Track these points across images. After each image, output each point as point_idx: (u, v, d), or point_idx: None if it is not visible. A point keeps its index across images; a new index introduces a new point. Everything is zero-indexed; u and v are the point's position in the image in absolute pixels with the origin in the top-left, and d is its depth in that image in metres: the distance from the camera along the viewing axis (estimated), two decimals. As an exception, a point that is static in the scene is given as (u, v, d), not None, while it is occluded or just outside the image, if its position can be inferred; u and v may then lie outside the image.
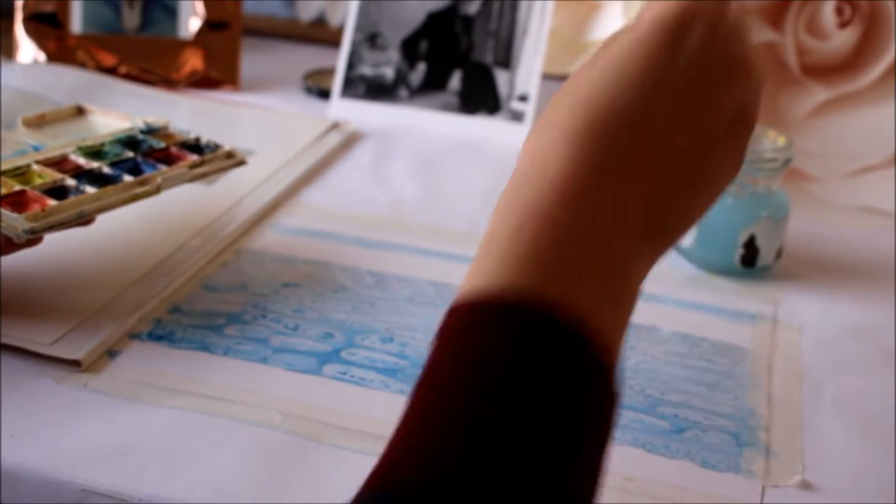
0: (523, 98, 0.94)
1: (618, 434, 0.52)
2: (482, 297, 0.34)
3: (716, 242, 0.69)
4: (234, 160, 0.68)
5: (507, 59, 0.95)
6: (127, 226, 0.69)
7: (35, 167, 0.61)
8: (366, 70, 0.98)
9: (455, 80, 0.96)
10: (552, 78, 1.02)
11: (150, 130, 0.68)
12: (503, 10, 0.96)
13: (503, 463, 0.31)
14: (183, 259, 0.66)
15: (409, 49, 0.97)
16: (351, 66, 0.98)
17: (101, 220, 0.62)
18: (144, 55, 1.02)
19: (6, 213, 0.56)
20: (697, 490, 0.49)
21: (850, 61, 0.86)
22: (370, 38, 0.98)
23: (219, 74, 1.02)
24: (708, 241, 0.69)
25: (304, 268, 0.67)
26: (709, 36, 0.38)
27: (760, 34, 0.85)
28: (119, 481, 0.47)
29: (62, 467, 0.48)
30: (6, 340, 0.56)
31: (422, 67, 0.97)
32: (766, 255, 0.69)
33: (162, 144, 0.67)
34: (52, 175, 0.61)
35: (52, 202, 0.58)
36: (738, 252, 0.68)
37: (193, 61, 1.02)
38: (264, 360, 0.57)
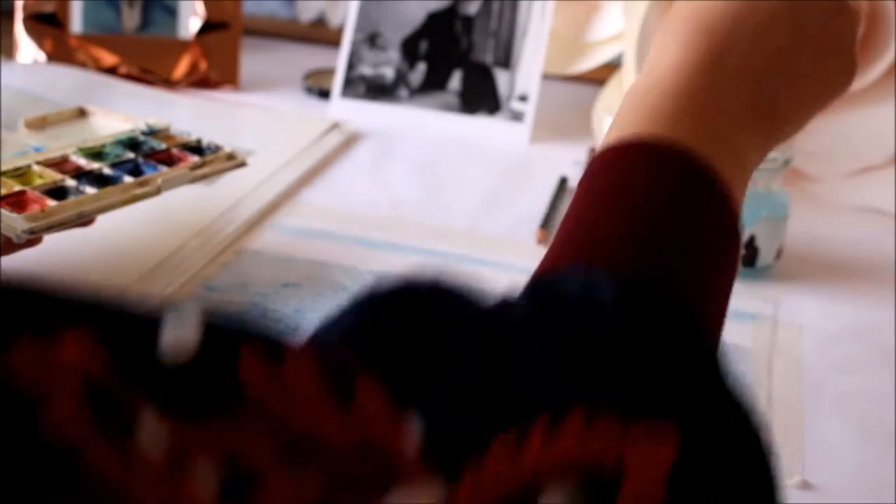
0: (523, 98, 0.94)
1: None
2: (628, 142, 0.39)
3: (716, 242, 0.68)
4: (234, 162, 0.68)
5: (507, 59, 0.95)
6: (127, 226, 0.69)
7: (35, 168, 0.61)
8: (366, 70, 0.98)
9: (455, 80, 0.96)
10: (552, 78, 1.02)
11: (152, 132, 0.68)
12: (503, 10, 0.96)
13: (655, 263, 0.36)
14: (183, 259, 0.66)
15: (409, 49, 0.97)
16: (351, 66, 0.98)
17: (102, 220, 0.62)
18: (144, 55, 1.02)
19: (6, 213, 0.56)
20: (697, 490, 0.49)
21: (850, 61, 0.86)
22: (370, 38, 0.98)
23: (219, 74, 1.02)
24: (708, 241, 0.69)
25: (304, 268, 0.67)
26: None
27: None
28: (119, 481, 0.47)
29: (62, 467, 0.48)
30: (6, 340, 0.56)
31: (422, 67, 0.97)
32: (766, 256, 0.68)
33: (163, 146, 0.67)
34: (53, 176, 0.61)
35: (51, 203, 0.58)
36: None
37: (193, 61, 1.02)
38: (264, 360, 0.57)
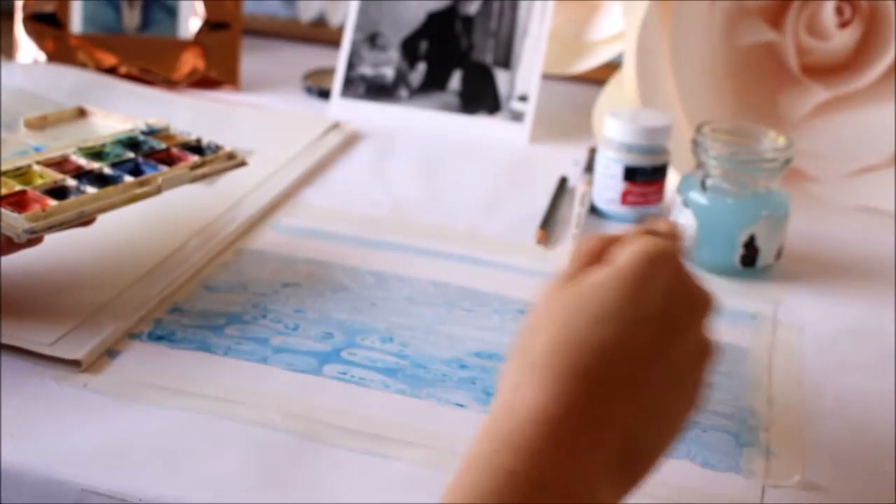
0: (523, 98, 0.94)
1: (618, 434, 0.52)
2: None
3: (716, 242, 0.68)
4: (234, 161, 0.68)
5: (507, 59, 0.95)
6: (127, 226, 0.69)
7: (35, 167, 0.62)
8: (366, 70, 0.98)
9: (455, 80, 0.96)
10: (552, 78, 1.02)
11: (152, 132, 0.68)
12: (503, 10, 0.96)
13: None
14: (183, 259, 0.66)
15: (410, 49, 0.97)
16: (351, 65, 0.98)
17: (102, 220, 0.62)
18: (144, 55, 1.02)
19: (6, 212, 0.56)
20: (698, 490, 0.49)
21: (850, 61, 0.86)
22: (370, 38, 0.98)
23: (219, 74, 1.02)
24: (708, 241, 0.69)
25: (304, 268, 0.67)
26: (676, 273, 0.42)
27: (761, 34, 0.85)
28: (119, 481, 0.47)
29: (62, 467, 0.48)
30: (6, 340, 0.56)
31: (422, 67, 0.97)
32: (766, 255, 0.68)
33: (163, 146, 0.67)
34: (53, 175, 0.61)
35: (52, 202, 0.58)
36: (738, 252, 0.68)
37: (193, 61, 1.02)
38: (264, 360, 0.57)
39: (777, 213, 0.68)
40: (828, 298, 0.68)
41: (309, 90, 1.03)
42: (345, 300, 0.64)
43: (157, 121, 0.70)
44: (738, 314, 0.65)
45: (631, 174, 0.76)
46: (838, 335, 0.63)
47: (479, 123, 0.94)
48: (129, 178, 0.62)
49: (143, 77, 1.01)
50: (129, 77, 1.00)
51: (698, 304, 0.43)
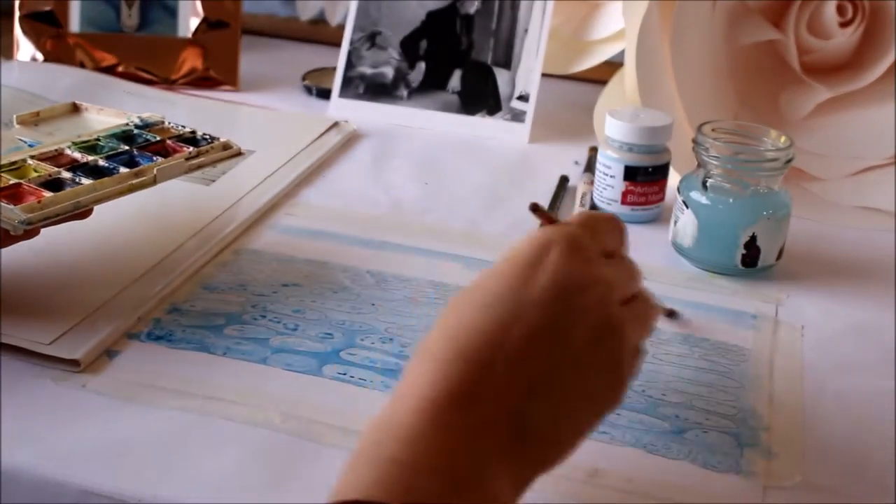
0: (523, 98, 0.94)
1: (619, 434, 0.52)
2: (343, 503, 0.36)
3: (717, 242, 0.68)
4: (230, 151, 0.68)
5: (507, 59, 0.95)
6: (126, 225, 0.69)
7: (30, 162, 0.61)
8: (365, 69, 0.98)
9: (455, 80, 0.96)
10: (552, 77, 1.02)
11: (146, 125, 0.68)
12: (503, 10, 0.95)
13: None
14: (182, 259, 0.66)
15: (409, 48, 0.97)
16: (350, 65, 0.98)
17: (100, 219, 0.62)
18: (143, 54, 1.02)
19: (3, 205, 0.56)
20: (698, 491, 0.49)
21: (851, 60, 0.86)
22: (370, 38, 0.98)
23: (218, 74, 1.02)
24: (709, 241, 0.69)
25: (304, 268, 0.67)
26: (567, 256, 0.42)
27: (762, 33, 0.85)
28: (118, 482, 0.47)
29: (61, 468, 0.48)
30: (5, 340, 0.55)
31: (421, 67, 0.97)
32: (767, 255, 0.68)
33: (157, 138, 0.67)
34: (48, 169, 0.61)
35: (48, 194, 0.57)
36: (740, 252, 0.68)
37: (192, 61, 1.02)
38: (264, 361, 0.57)
39: (778, 213, 0.68)
40: (829, 298, 0.67)
41: (308, 90, 1.03)
42: (344, 300, 0.63)
43: (150, 115, 0.70)
44: (740, 314, 0.65)
45: (631, 174, 0.75)
46: (839, 335, 0.63)
47: (479, 123, 0.94)
48: (124, 170, 0.62)
49: (141, 76, 1.01)
50: (127, 76, 1.00)
51: (597, 285, 0.43)
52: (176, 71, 1.02)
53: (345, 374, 0.56)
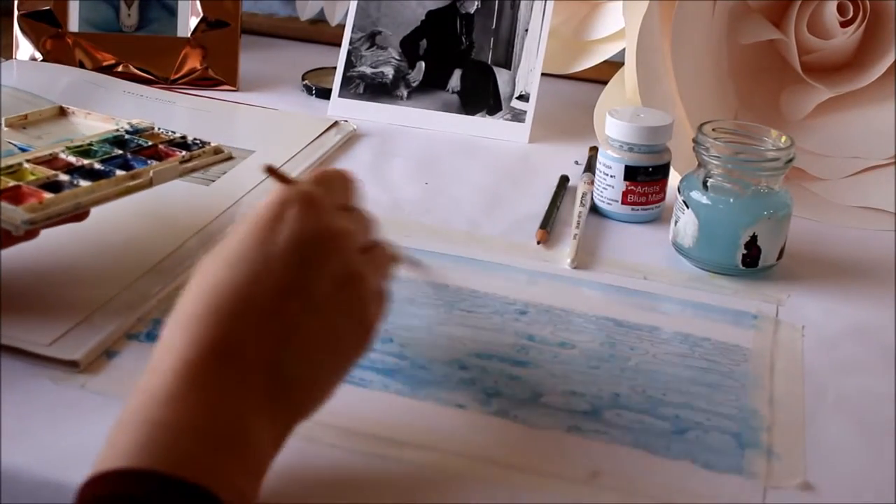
0: (523, 97, 0.94)
1: (619, 435, 0.52)
2: (106, 474, 0.38)
3: (717, 242, 0.68)
4: (221, 156, 0.69)
5: (507, 58, 0.95)
6: (125, 225, 0.68)
7: (27, 165, 0.62)
8: (365, 69, 0.98)
9: (455, 80, 0.96)
10: (552, 77, 1.02)
11: (136, 131, 0.69)
12: (503, 9, 0.95)
13: None
14: (182, 259, 0.66)
15: (409, 48, 0.97)
16: (350, 64, 0.98)
17: (100, 219, 0.62)
18: (143, 54, 1.02)
19: (5, 205, 0.56)
20: (699, 491, 0.49)
21: (852, 60, 0.86)
22: (370, 37, 0.98)
23: (217, 73, 1.02)
24: (709, 241, 0.68)
25: (304, 268, 0.67)
26: (305, 211, 0.44)
27: (762, 32, 0.85)
28: (117, 483, 0.47)
29: (60, 468, 0.48)
30: (4, 341, 0.55)
31: (421, 66, 0.97)
32: (768, 255, 0.68)
33: (150, 143, 0.68)
34: (45, 171, 0.62)
35: (48, 195, 0.58)
36: (740, 252, 0.68)
37: (192, 60, 1.02)
38: (263, 361, 0.57)
39: (779, 213, 0.68)
40: (830, 299, 0.67)
41: (308, 89, 1.03)
42: None
43: (140, 120, 0.71)
44: (740, 314, 0.65)
45: (632, 174, 0.75)
46: (840, 335, 0.63)
47: (479, 123, 0.94)
48: (120, 173, 0.62)
49: (141, 76, 1.01)
50: (127, 76, 1.00)
51: (336, 238, 0.45)
52: (175, 71, 1.02)
53: (345, 374, 0.56)
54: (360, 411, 0.53)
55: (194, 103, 0.96)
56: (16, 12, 1.00)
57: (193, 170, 0.67)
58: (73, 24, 1.01)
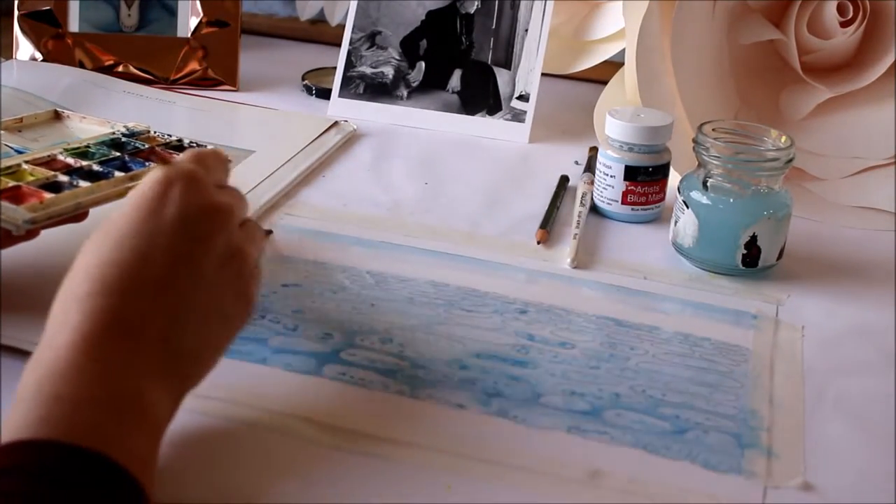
0: (523, 97, 0.94)
1: (619, 435, 0.52)
2: (6, 447, 0.38)
3: (717, 242, 0.68)
4: None
5: (507, 59, 0.95)
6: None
7: (25, 167, 0.62)
8: (365, 69, 0.98)
9: (455, 80, 0.96)
10: (552, 77, 1.02)
11: (132, 134, 0.70)
12: (503, 9, 0.95)
13: None
14: (182, 259, 0.66)
15: (409, 48, 0.97)
16: (350, 65, 0.98)
17: (100, 220, 0.62)
18: (143, 54, 1.02)
19: (6, 204, 0.56)
20: (699, 491, 0.49)
21: (852, 60, 0.86)
22: (370, 37, 0.98)
23: (217, 74, 1.02)
24: (709, 241, 0.68)
25: (304, 268, 0.67)
26: (188, 189, 0.46)
27: (762, 32, 0.85)
28: (117, 483, 0.47)
29: (60, 468, 0.48)
30: (6, 341, 0.55)
31: (421, 66, 0.97)
32: (767, 255, 0.68)
33: (146, 146, 0.69)
34: (45, 172, 0.62)
35: (48, 195, 0.58)
36: (740, 252, 0.68)
37: (192, 61, 1.02)
38: (263, 361, 0.57)
39: (779, 213, 0.68)
40: (830, 299, 0.67)
41: (308, 89, 1.03)
42: (344, 300, 0.63)
43: (136, 124, 0.71)
44: (740, 314, 0.65)
45: (632, 174, 0.75)
46: (840, 335, 0.63)
47: (479, 123, 0.94)
48: (119, 174, 0.63)
49: (141, 76, 1.01)
50: (127, 76, 1.00)
51: (220, 214, 0.47)
52: (175, 71, 1.02)
53: (344, 374, 0.56)
54: (360, 411, 0.53)
55: (194, 103, 0.96)
56: (16, 12, 1.00)
57: None
58: (74, 25, 1.01)
